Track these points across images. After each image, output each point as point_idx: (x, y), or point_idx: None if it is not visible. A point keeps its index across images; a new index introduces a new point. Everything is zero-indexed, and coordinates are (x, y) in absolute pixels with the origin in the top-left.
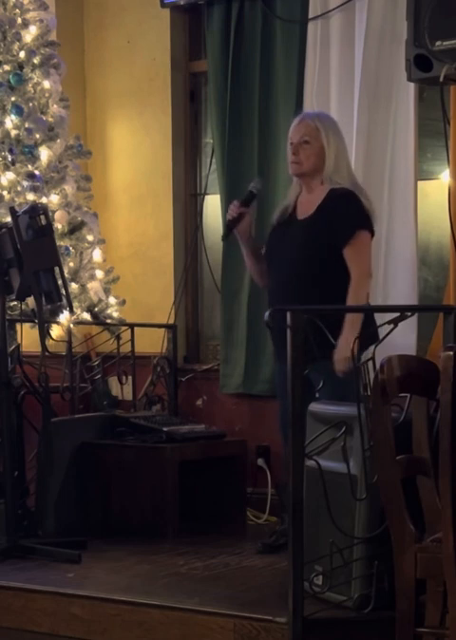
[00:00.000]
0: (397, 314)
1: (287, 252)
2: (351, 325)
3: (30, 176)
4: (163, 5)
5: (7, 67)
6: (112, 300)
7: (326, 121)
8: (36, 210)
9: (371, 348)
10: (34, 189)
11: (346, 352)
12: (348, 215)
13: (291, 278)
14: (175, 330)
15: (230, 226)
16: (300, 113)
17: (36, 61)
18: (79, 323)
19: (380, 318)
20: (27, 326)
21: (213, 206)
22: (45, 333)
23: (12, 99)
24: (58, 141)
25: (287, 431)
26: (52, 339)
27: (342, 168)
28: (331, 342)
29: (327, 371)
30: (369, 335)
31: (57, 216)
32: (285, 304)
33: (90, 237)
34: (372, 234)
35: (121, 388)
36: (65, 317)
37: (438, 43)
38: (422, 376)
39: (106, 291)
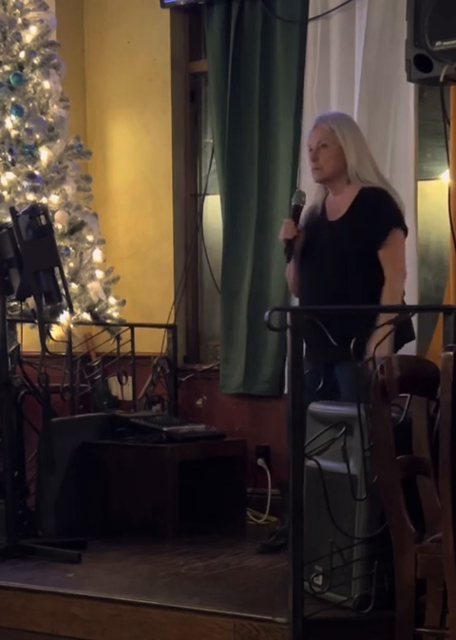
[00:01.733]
0: (397, 314)
1: (321, 254)
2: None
3: (30, 176)
4: (163, 5)
5: (7, 67)
6: (112, 300)
7: (340, 120)
8: (36, 210)
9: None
10: (34, 189)
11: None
12: (382, 215)
13: (327, 280)
14: (175, 331)
15: (291, 246)
16: (317, 117)
17: (36, 61)
18: (79, 323)
19: (388, 318)
20: (27, 326)
21: (213, 206)
22: (45, 333)
23: (12, 99)
24: (58, 141)
25: None
26: (52, 339)
27: (366, 164)
28: (354, 342)
29: (351, 372)
30: (405, 334)
31: (57, 216)
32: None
33: (90, 238)
34: (406, 232)
35: (121, 388)
36: (65, 317)
37: (438, 43)
38: (422, 376)
39: (106, 292)
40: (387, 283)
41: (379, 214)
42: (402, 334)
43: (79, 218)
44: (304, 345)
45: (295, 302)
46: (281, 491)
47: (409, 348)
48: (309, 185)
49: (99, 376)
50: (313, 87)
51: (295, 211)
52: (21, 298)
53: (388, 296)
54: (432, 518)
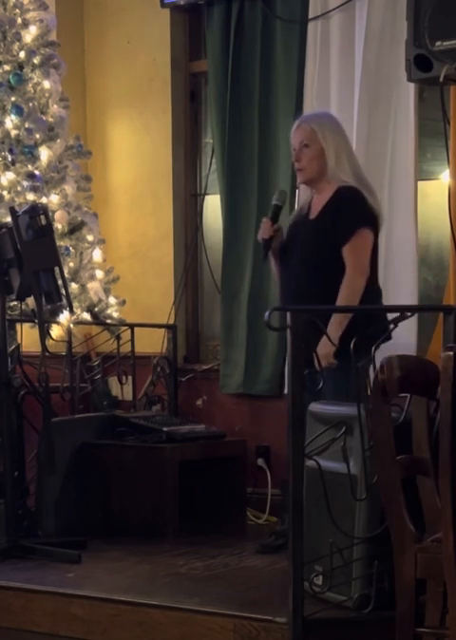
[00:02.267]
0: (397, 314)
1: (296, 251)
2: (338, 323)
3: (30, 176)
4: (163, 5)
5: (7, 67)
6: (112, 300)
7: (322, 120)
8: (36, 210)
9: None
10: (34, 189)
11: (324, 349)
12: (350, 214)
13: (296, 278)
14: (175, 331)
15: (267, 246)
16: (298, 116)
17: (36, 61)
18: (79, 323)
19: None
20: (27, 326)
21: (213, 206)
22: (45, 333)
23: (12, 99)
24: (58, 141)
25: None
26: (52, 339)
27: (343, 164)
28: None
29: (330, 371)
30: (371, 334)
31: (57, 216)
32: (292, 303)
33: (90, 237)
34: (376, 232)
35: (121, 388)
36: (65, 317)
37: (438, 43)
38: (422, 376)
39: (106, 291)
40: (345, 279)
41: (347, 213)
42: (371, 337)
43: (79, 218)
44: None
45: None
46: (282, 491)
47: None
48: None
49: (99, 376)
50: (313, 87)
51: (274, 210)
52: (21, 298)
53: (344, 293)
54: (432, 518)
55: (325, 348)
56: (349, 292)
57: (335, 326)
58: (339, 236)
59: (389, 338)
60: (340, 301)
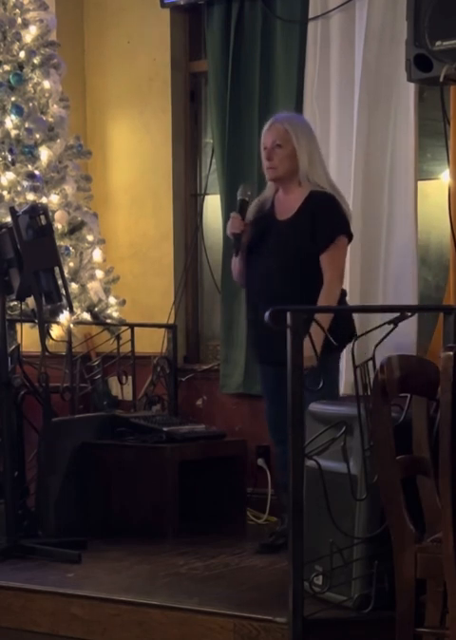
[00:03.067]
0: (397, 314)
1: (267, 252)
2: (319, 329)
3: (30, 176)
4: (163, 5)
5: (7, 67)
6: (112, 300)
7: (296, 122)
8: (36, 210)
9: (372, 347)
10: (34, 189)
11: (307, 352)
12: (329, 221)
13: (268, 279)
14: (175, 330)
15: (239, 239)
16: (271, 117)
17: (36, 61)
18: (79, 323)
19: (380, 318)
20: (27, 326)
21: (213, 206)
22: (45, 333)
23: (12, 99)
24: (58, 140)
25: (277, 433)
26: (52, 339)
27: (317, 167)
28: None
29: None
30: (341, 336)
31: (57, 216)
32: (266, 304)
33: (90, 237)
34: (350, 238)
35: (121, 388)
36: (65, 317)
37: (438, 43)
38: (422, 376)
39: (106, 291)
40: (325, 286)
41: (326, 219)
42: (341, 339)
43: (79, 218)
44: (252, 343)
45: None
46: (276, 491)
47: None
48: None
49: (99, 376)
50: (313, 87)
51: (242, 205)
52: (21, 298)
53: (324, 298)
54: (432, 518)
55: (307, 352)
56: (328, 298)
57: (318, 331)
58: (317, 243)
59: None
60: (324, 303)
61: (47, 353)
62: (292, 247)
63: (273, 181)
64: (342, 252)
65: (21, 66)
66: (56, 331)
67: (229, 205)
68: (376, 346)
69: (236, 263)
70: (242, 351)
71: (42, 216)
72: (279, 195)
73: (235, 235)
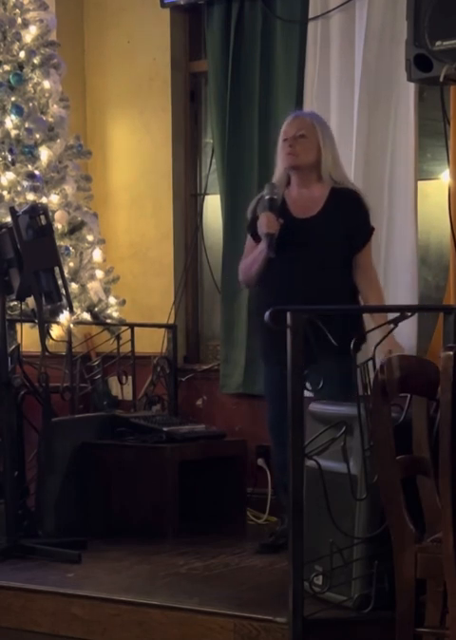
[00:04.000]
0: (397, 314)
1: (292, 251)
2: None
3: (30, 176)
4: (163, 5)
5: (7, 67)
6: (112, 300)
7: (320, 120)
8: (36, 210)
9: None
10: (34, 189)
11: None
12: (363, 219)
13: (307, 279)
14: (175, 330)
15: (272, 237)
16: (292, 113)
17: (36, 61)
18: (79, 323)
19: (380, 318)
20: (27, 326)
21: (213, 206)
22: (45, 333)
23: (12, 99)
24: (58, 140)
25: (279, 434)
26: (52, 339)
27: (339, 167)
28: (331, 342)
29: (327, 372)
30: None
31: (57, 216)
32: (295, 305)
33: (90, 237)
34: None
35: (121, 388)
36: (65, 317)
37: (438, 43)
38: (422, 376)
39: (106, 291)
40: (373, 284)
41: (360, 217)
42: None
43: (79, 218)
44: (266, 345)
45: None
46: (276, 491)
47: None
48: None
49: (99, 376)
50: (313, 87)
51: (272, 203)
52: (21, 298)
53: (377, 297)
54: (432, 518)
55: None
56: (379, 296)
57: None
58: (352, 241)
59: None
60: (379, 301)
61: (47, 353)
62: (323, 247)
63: (293, 168)
64: (371, 248)
65: (21, 66)
66: (56, 331)
67: (229, 205)
68: (376, 346)
69: (252, 263)
70: (242, 351)
71: (42, 216)
72: (292, 189)
73: (270, 234)
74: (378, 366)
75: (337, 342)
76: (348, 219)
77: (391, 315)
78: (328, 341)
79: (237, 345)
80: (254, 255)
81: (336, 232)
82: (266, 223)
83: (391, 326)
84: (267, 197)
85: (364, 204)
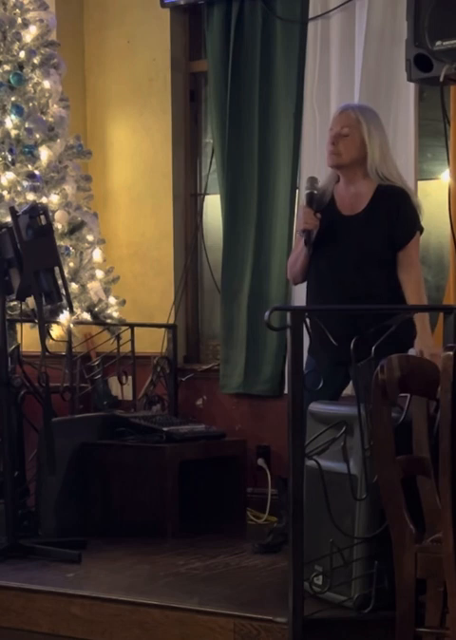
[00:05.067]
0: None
1: (337, 249)
2: (425, 323)
3: (30, 176)
4: (163, 5)
5: (7, 67)
6: (112, 300)
7: (368, 113)
8: (36, 210)
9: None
10: (34, 189)
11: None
12: (406, 218)
13: (349, 277)
14: (175, 330)
15: (310, 233)
16: (344, 104)
17: (36, 61)
18: (79, 323)
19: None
20: (27, 326)
21: (213, 206)
22: (45, 333)
23: (12, 99)
24: (58, 140)
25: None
26: (52, 339)
27: (389, 163)
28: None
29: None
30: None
31: (57, 216)
32: (339, 303)
33: (90, 237)
34: (422, 231)
35: (121, 388)
36: (65, 317)
37: (438, 43)
38: (422, 376)
39: (106, 291)
40: (412, 284)
41: (403, 215)
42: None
43: (79, 218)
44: (315, 344)
45: (299, 296)
46: (279, 488)
47: None
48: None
49: (99, 376)
50: (313, 87)
51: (310, 198)
52: (21, 298)
53: (416, 297)
54: (432, 519)
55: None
56: (420, 296)
57: (423, 323)
58: (395, 241)
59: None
60: (418, 300)
61: (47, 353)
62: (366, 244)
63: (335, 167)
64: (418, 247)
65: (21, 66)
66: (56, 331)
67: (229, 205)
68: (376, 345)
69: (297, 259)
70: (242, 351)
71: (42, 216)
72: (341, 186)
73: (308, 231)
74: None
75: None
76: (391, 218)
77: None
78: (365, 342)
79: (237, 345)
80: (296, 252)
81: (378, 230)
82: (303, 219)
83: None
84: (306, 191)
85: (410, 202)
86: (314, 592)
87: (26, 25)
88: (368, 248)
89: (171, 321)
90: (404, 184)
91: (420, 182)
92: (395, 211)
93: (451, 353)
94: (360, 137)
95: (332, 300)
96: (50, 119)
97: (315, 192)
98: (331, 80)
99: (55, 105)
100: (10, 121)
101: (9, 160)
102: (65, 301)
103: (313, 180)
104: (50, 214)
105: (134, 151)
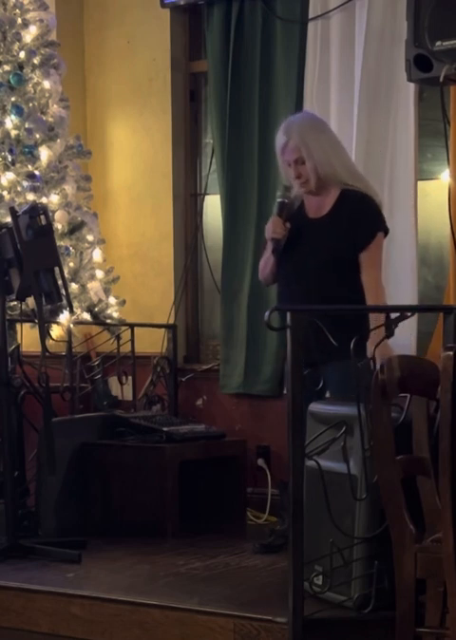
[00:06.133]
0: (397, 314)
1: (303, 251)
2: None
3: (30, 176)
4: (163, 5)
5: (7, 67)
6: (112, 300)
7: (303, 130)
8: (36, 210)
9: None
10: (34, 189)
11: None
12: (367, 219)
13: (309, 278)
14: (175, 330)
15: (278, 241)
16: (282, 126)
17: (36, 61)
18: (79, 323)
19: (380, 318)
20: (27, 326)
21: (213, 206)
22: (45, 333)
23: (12, 99)
24: (58, 140)
25: None
26: (52, 339)
27: (337, 167)
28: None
29: (343, 371)
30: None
31: (57, 216)
32: (303, 304)
33: (90, 237)
34: (387, 233)
35: (121, 388)
36: (65, 317)
37: (438, 43)
38: (422, 376)
39: (106, 291)
40: (372, 284)
41: (363, 218)
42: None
43: (79, 218)
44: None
45: None
46: (280, 491)
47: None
48: None
49: (99, 376)
50: (313, 87)
51: (281, 207)
52: (21, 298)
53: (374, 298)
54: (432, 519)
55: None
56: (377, 297)
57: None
58: (356, 243)
59: (391, 335)
60: (375, 301)
61: (47, 353)
62: (326, 247)
63: (308, 194)
64: (381, 248)
65: (21, 66)
66: (56, 331)
67: (229, 205)
68: (376, 346)
69: (266, 263)
70: (242, 351)
71: (42, 216)
72: (309, 195)
73: (276, 239)
74: (378, 365)
75: (338, 342)
76: (353, 220)
77: (392, 315)
78: (327, 341)
79: (237, 345)
80: (265, 257)
81: (341, 232)
82: (272, 228)
83: (383, 327)
84: (278, 200)
85: (372, 204)
86: (314, 592)
87: (26, 25)
88: (331, 250)
89: (171, 321)
90: (361, 181)
91: (420, 182)
92: (357, 213)
93: (451, 353)
94: (312, 161)
95: (297, 302)
96: (50, 119)
97: (287, 201)
98: (331, 80)
99: (55, 105)
100: (10, 121)
101: (9, 160)
102: (65, 301)
103: (285, 189)
104: (50, 214)
105: (134, 151)
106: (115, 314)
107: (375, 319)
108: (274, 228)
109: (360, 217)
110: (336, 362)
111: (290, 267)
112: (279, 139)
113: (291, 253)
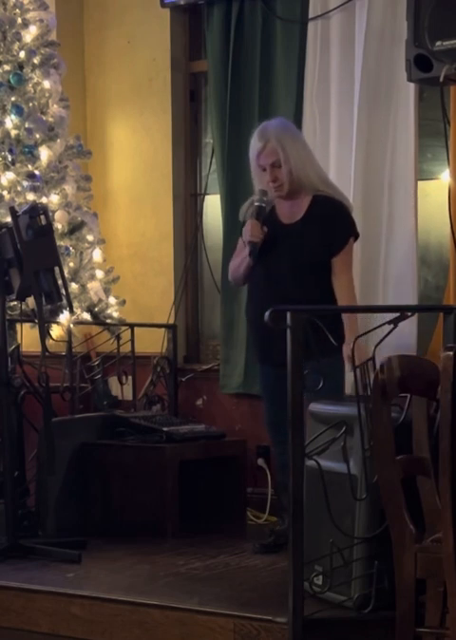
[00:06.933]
0: (397, 314)
1: (276, 256)
2: (352, 323)
3: (30, 176)
4: (163, 5)
5: (7, 67)
6: (112, 300)
7: (281, 135)
8: (36, 210)
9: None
10: (34, 189)
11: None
12: (338, 226)
13: (280, 282)
14: (175, 330)
15: (256, 245)
16: (258, 129)
17: (36, 61)
18: (79, 323)
19: (380, 318)
20: (27, 326)
21: (213, 206)
22: (45, 333)
23: (12, 99)
24: (58, 140)
25: (277, 434)
26: (52, 339)
27: (310, 174)
28: (331, 341)
29: (325, 370)
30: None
31: (57, 216)
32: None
33: (90, 237)
34: (357, 237)
35: (121, 388)
36: (65, 317)
37: (438, 43)
38: (422, 376)
39: (106, 291)
40: (344, 288)
41: (335, 225)
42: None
43: (79, 218)
44: (257, 345)
45: None
46: (277, 492)
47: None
48: None
49: (99, 376)
50: (313, 87)
51: (259, 211)
52: (21, 298)
53: (347, 300)
54: (432, 519)
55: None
56: (351, 299)
57: (352, 327)
58: (328, 248)
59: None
60: (348, 302)
61: (47, 353)
62: (301, 251)
63: (282, 198)
64: (351, 253)
65: (21, 66)
66: (56, 331)
67: (229, 205)
68: (376, 346)
69: (239, 265)
70: (242, 351)
71: (42, 216)
72: (281, 200)
73: (252, 242)
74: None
75: (314, 343)
76: (325, 225)
77: (391, 315)
78: (307, 342)
79: (237, 345)
80: (239, 259)
81: (313, 238)
82: (250, 231)
83: (355, 328)
84: (256, 204)
85: (342, 210)
86: (314, 592)
87: (26, 25)
88: (303, 255)
89: (171, 321)
90: (332, 188)
91: (420, 182)
92: (329, 219)
93: (451, 353)
94: (287, 165)
95: (265, 303)
96: (50, 119)
97: (264, 205)
98: (331, 80)
99: (55, 105)
100: (10, 121)
101: (9, 160)
102: (65, 301)
103: (262, 193)
104: (50, 214)
105: (134, 151)
106: (115, 314)
107: (348, 320)
108: (252, 231)
109: (334, 223)
110: (313, 362)
111: (262, 270)
112: (255, 143)
113: (264, 256)
